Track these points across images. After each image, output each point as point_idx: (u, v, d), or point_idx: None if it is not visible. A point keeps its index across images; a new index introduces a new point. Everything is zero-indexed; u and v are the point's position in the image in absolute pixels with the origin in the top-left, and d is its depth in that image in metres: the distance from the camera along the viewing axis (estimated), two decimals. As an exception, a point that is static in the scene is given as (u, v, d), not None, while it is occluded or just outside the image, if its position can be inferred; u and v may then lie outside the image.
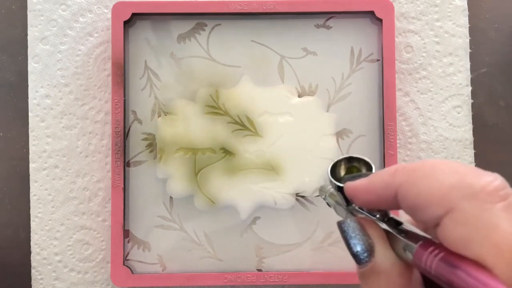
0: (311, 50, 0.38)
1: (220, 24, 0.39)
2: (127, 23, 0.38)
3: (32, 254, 0.38)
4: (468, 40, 0.39)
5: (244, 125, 0.38)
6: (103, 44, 0.39)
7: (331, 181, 0.24)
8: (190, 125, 0.38)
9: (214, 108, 0.38)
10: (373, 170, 0.24)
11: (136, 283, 0.37)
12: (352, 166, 0.25)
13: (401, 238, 0.21)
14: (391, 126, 0.37)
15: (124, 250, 0.37)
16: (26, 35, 0.39)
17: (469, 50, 0.39)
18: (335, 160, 0.24)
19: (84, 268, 0.39)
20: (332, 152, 0.38)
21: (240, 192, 0.38)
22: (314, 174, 0.38)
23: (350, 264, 0.38)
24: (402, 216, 0.22)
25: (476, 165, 0.39)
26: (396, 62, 0.38)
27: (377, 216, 0.22)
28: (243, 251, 0.38)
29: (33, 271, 0.38)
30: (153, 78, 0.38)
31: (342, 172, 0.24)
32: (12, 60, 0.40)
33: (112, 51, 0.37)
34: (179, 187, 0.38)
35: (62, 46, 0.39)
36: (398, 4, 0.39)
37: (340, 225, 0.22)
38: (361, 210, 0.23)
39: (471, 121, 0.39)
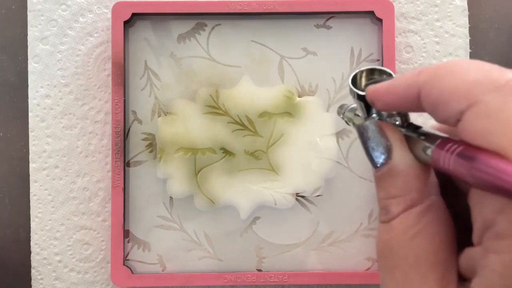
0: (311, 50, 0.38)
1: (220, 24, 0.39)
2: (127, 23, 0.38)
3: (32, 254, 0.38)
4: (468, 40, 0.39)
5: (244, 125, 0.38)
6: (103, 44, 0.39)
7: (351, 89, 0.23)
8: (190, 125, 0.38)
9: (214, 108, 0.38)
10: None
11: (136, 283, 0.37)
12: (373, 78, 0.24)
13: (420, 140, 0.20)
14: (391, 126, 0.37)
15: (124, 250, 0.37)
16: (26, 35, 0.39)
17: (469, 50, 0.39)
18: (356, 71, 0.24)
19: (84, 268, 0.39)
20: (332, 152, 0.38)
21: (240, 192, 0.38)
22: (314, 174, 0.38)
23: (350, 264, 0.38)
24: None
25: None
26: (396, 62, 0.38)
27: (397, 122, 0.22)
28: (243, 251, 0.38)
29: (33, 271, 0.38)
30: (153, 78, 0.38)
31: (363, 84, 0.24)
32: (12, 60, 0.40)
33: (112, 51, 0.37)
34: (179, 187, 0.38)
35: (62, 46, 0.39)
36: (398, 4, 0.39)
37: (358, 127, 0.22)
38: (381, 117, 0.23)
39: (471, 121, 0.39)
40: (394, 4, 0.38)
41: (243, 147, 0.38)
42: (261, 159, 0.38)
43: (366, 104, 0.23)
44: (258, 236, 0.38)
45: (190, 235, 0.38)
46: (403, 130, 0.22)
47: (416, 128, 0.21)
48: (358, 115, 0.25)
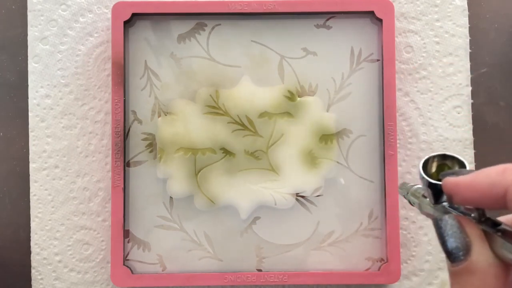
0: (311, 50, 0.38)
1: (220, 24, 0.39)
2: (127, 23, 0.38)
3: (32, 254, 0.38)
4: (468, 40, 0.39)
5: (244, 125, 0.38)
6: (103, 44, 0.39)
7: (422, 177, 0.23)
8: (190, 125, 0.38)
9: (214, 108, 0.38)
10: (467, 168, 0.23)
11: (136, 283, 0.37)
12: (444, 164, 0.24)
13: (500, 238, 0.20)
14: (391, 126, 0.37)
15: (124, 250, 0.37)
16: (26, 35, 0.39)
17: (469, 50, 0.39)
18: (427, 156, 0.24)
19: (84, 268, 0.39)
20: (332, 152, 0.38)
21: (240, 192, 0.38)
22: (314, 174, 0.38)
23: (350, 264, 0.38)
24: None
25: (476, 165, 0.39)
26: (396, 62, 0.38)
27: (472, 215, 0.22)
28: (243, 251, 0.38)
29: (33, 271, 0.38)
30: (153, 78, 0.38)
31: (433, 169, 0.24)
32: (12, 60, 0.40)
33: (112, 51, 0.37)
34: (179, 187, 0.38)
35: (62, 46, 0.39)
36: (398, 4, 0.39)
37: (437, 221, 0.21)
38: (452, 209, 0.23)
39: (471, 121, 0.39)
40: (394, 4, 0.38)
41: (243, 147, 0.38)
42: (261, 159, 0.38)
43: (435, 191, 0.23)
44: (258, 236, 0.38)
45: (190, 235, 0.38)
46: (481, 225, 0.21)
47: (495, 225, 0.21)
48: (425, 198, 0.24)
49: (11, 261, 0.39)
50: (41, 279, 0.38)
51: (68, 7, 0.39)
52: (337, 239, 0.38)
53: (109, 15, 0.39)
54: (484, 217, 0.22)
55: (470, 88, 0.39)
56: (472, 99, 0.39)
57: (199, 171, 0.38)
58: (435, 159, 0.24)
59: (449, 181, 0.22)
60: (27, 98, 0.39)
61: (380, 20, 0.38)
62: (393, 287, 0.38)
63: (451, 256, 0.21)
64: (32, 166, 0.39)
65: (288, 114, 0.38)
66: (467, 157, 0.38)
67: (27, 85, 0.39)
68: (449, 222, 0.21)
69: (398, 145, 0.38)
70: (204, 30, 0.39)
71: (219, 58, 0.38)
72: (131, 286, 0.37)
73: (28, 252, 0.39)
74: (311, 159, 0.38)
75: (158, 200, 0.38)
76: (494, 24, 0.40)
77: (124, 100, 0.38)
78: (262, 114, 0.38)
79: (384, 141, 0.37)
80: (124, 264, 0.37)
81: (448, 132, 0.39)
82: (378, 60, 0.38)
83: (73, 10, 0.39)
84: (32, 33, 0.39)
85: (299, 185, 0.38)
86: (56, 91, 0.39)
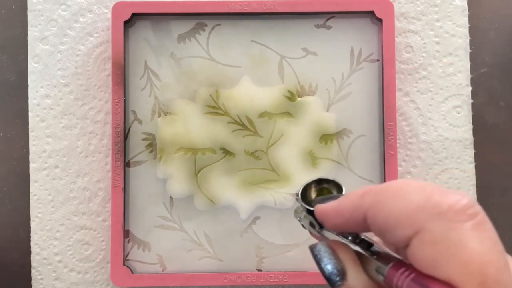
0: (311, 50, 0.38)
1: (220, 24, 0.39)
2: (127, 23, 0.38)
3: (32, 254, 0.38)
4: (468, 40, 0.39)
5: (244, 125, 0.38)
6: (103, 44, 0.39)
7: (301, 204, 0.24)
8: (190, 125, 0.38)
9: (214, 108, 0.38)
10: (343, 192, 0.24)
11: (136, 283, 0.37)
12: (323, 188, 0.25)
13: (372, 259, 0.21)
14: (391, 126, 0.37)
15: (124, 250, 0.37)
16: (26, 35, 0.39)
17: (469, 50, 0.39)
18: (305, 183, 0.25)
19: (84, 268, 0.39)
20: (332, 152, 0.38)
21: (240, 192, 0.38)
22: (314, 174, 0.38)
23: (350, 264, 0.38)
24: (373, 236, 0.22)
25: (476, 165, 0.39)
26: (396, 62, 0.38)
27: (349, 238, 0.22)
28: (243, 251, 0.38)
29: (33, 271, 0.38)
30: (153, 78, 0.38)
31: (313, 195, 0.25)
32: (12, 60, 0.40)
33: (112, 51, 0.37)
34: (179, 187, 0.38)
35: (62, 46, 0.39)
36: (398, 4, 0.39)
37: (311, 249, 0.22)
38: (333, 233, 0.23)
39: (471, 121, 0.39)
40: (394, 4, 0.38)
41: (243, 147, 0.38)
42: (261, 159, 0.38)
43: (315, 217, 0.23)
44: (258, 236, 0.38)
45: (190, 235, 0.38)
46: (356, 247, 0.22)
47: (369, 246, 0.22)
48: (312, 226, 0.25)
49: (11, 261, 0.39)
50: (41, 279, 0.38)
51: (68, 7, 0.39)
52: (337, 239, 0.38)
53: (109, 15, 0.39)
54: (359, 238, 0.22)
55: (470, 88, 0.39)
56: (472, 99, 0.39)
57: (199, 171, 0.38)
58: (313, 185, 0.25)
59: (318, 209, 0.23)
60: (27, 98, 0.39)
61: (380, 20, 0.38)
62: (393, 287, 0.38)
63: (329, 281, 0.21)
64: (32, 166, 0.39)
65: (288, 114, 0.38)
66: (467, 157, 0.38)
67: (27, 85, 0.39)
68: (322, 248, 0.22)
69: (398, 145, 0.38)
70: (204, 30, 0.39)
71: (219, 58, 0.38)
72: (131, 286, 0.37)
73: (28, 252, 0.39)
74: (311, 159, 0.38)
75: (158, 200, 0.38)
76: (494, 24, 0.40)
77: (124, 100, 0.38)
78: (262, 114, 0.38)
79: (384, 141, 0.37)
80: (124, 264, 0.37)
81: (448, 132, 0.39)
82: (378, 60, 0.38)
83: (73, 10, 0.39)
84: (32, 33, 0.39)
85: (299, 185, 0.38)
86: (56, 91, 0.39)
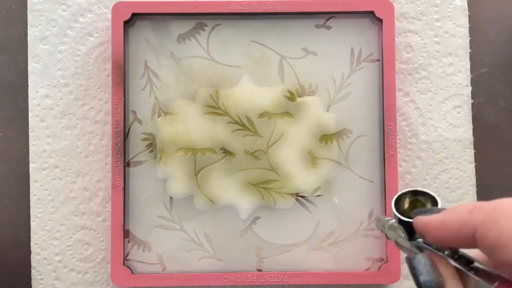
0: (311, 50, 0.38)
1: (220, 24, 0.39)
2: (127, 23, 0.38)
3: (32, 254, 0.38)
4: (468, 40, 0.39)
5: (244, 125, 0.38)
6: (103, 44, 0.39)
7: (395, 214, 0.23)
8: (190, 125, 0.38)
9: (214, 108, 0.38)
10: (439, 205, 0.23)
11: (136, 283, 0.37)
12: (417, 200, 0.24)
13: (474, 277, 0.20)
14: (391, 126, 0.37)
15: (124, 250, 0.37)
16: (26, 35, 0.39)
17: (469, 50, 0.39)
18: (399, 193, 0.24)
19: (84, 268, 0.39)
20: (332, 152, 0.38)
21: (240, 192, 0.38)
22: (314, 174, 0.38)
23: (350, 264, 0.38)
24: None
25: (476, 165, 0.39)
26: (396, 62, 0.38)
27: (446, 252, 0.22)
28: (243, 251, 0.38)
29: (33, 271, 0.38)
30: (153, 78, 0.38)
31: (406, 205, 0.24)
32: (12, 60, 0.40)
33: (112, 51, 0.37)
34: (179, 187, 0.38)
35: (62, 46, 0.39)
36: (398, 4, 0.39)
37: (410, 260, 0.22)
38: (427, 246, 0.23)
39: (471, 121, 0.39)
40: (394, 4, 0.38)
41: (243, 147, 0.38)
42: (261, 159, 0.38)
43: (409, 229, 0.23)
44: (258, 236, 0.38)
45: (190, 235, 0.38)
46: (454, 262, 0.21)
47: (468, 262, 0.21)
48: (401, 236, 0.24)
49: (11, 261, 0.39)
50: (41, 279, 0.38)
51: (68, 7, 0.39)
52: (337, 239, 0.38)
53: (109, 15, 0.39)
54: (457, 254, 0.22)
55: (470, 88, 0.39)
56: (472, 99, 0.39)
57: (199, 171, 0.38)
58: (407, 195, 0.24)
59: (420, 221, 0.22)
60: (27, 98, 0.39)
61: (380, 20, 0.38)
62: (393, 287, 0.38)
63: None
64: (32, 166, 0.39)
65: (288, 114, 0.38)
66: (467, 157, 0.38)
67: (27, 85, 0.39)
68: (422, 261, 0.21)
69: (398, 145, 0.38)
70: (204, 30, 0.39)
71: (219, 58, 0.38)
72: (131, 286, 0.37)
73: (28, 252, 0.39)
74: (311, 159, 0.38)
75: (158, 200, 0.38)
76: (494, 24, 0.40)
77: (124, 100, 0.38)
78: (262, 114, 0.38)
79: (384, 141, 0.37)
80: (124, 264, 0.37)
81: (448, 132, 0.39)
82: (378, 60, 0.38)
83: (73, 10, 0.39)
84: (32, 33, 0.39)
85: (299, 185, 0.38)
86: (56, 91, 0.39)
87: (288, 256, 0.38)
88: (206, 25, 0.39)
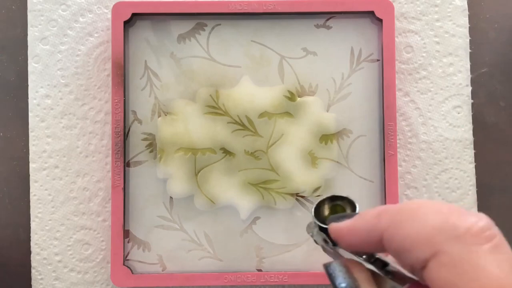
0: (311, 50, 0.38)
1: (220, 24, 0.39)
2: (127, 23, 0.38)
3: (32, 254, 0.38)
4: (468, 40, 0.39)
5: (244, 125, 0.38)
6: (103, 44, 0.39)
7: (315, 222, 0.24)
8: (190, 125, 0.38)
9: (214, 108, 0.38)
10: (357, 209, 0.24)
11: (136, 283, 0.37)
12: (337, 205, 0.25)
13: (387, 279, 0.21)
14: (391, 126, 0.37)
15: (124, 250, 0.37)
16: (26, 35, 0.39)
17: (469, 50, 0.39)
18: (319, 200, 0.25)
19: (84, 268, 0.39)
20: (332, 152, 0.38)
21: (240, 192, 0.38)
22: (314, 174, 0.38)
23: (350, 264, 0.38)
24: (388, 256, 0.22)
25: (476, 165, 0.39)
26: (396, 62, 0.38)
27: (364, 256, 0.22)
28: (243, 251, 0.38)
29: (33, 271, 0.38)
30: (153, 78, 0.38)
31: (326, 212, 0.25)
32: (12, 60, 0.40)
33: (112, 51, 0.37)
34: (179, 187, 0.38)
35: (62, 46, 0.39)
36: (398, 4, 0.39)
37: (326, 267, 0.22)
38: (347, 251, 0.23)
39: (471, 121, 0.39)
40: (394, 4, 0.38)
41: (243, 147, 0.38)
42: (261, 159, 0.38)
43: (328, 235, 0.23)
44: (258, 236, 0.38)
45: (190, 235, 0.38)
46: (370, 266, 0.22)
47: (383, 265, 0.22)
48: (326, 242, 0.25)
49: (11, 261, 0.39)
50: (41, 279, 0.38)
51: (68, 7, 0.39)
52: (337, 239, 0.38)
53: (109, 15, 0.39)
54: (373, 258, 0.22)
55: (470, 88, 0.39)
56: (472, 99, 0.39)
57: (199, 171, 0.38)
58: (326, 202, 0.25)
59: (332, 227, 0.23)
60: (27, 98, 0.39)
61: (380, 20, 0.38)
62: (393, 287, 0.38)
63: None
64: (32, 166, 0.39)
65: (288, 114, 0.38)
66: (467, 157, 0.38)
67: (27, 85, 0.39)
68: (337, 267, 0.22)
69: (398, 145, 0.38)
70: (204, 30, 0.39)
71: (219, 58, 0.38)
72: (131, 286, 0.37)
73: (28, 252, 0.39)
74: (311, 159, 0.38)
75: (158, 200, 0.38)
76: (494, 24, 0.40)
77: (124, 100, 0.38)
78: (262, 114, 0.38)
79: (384, 141, 0.37)
80: (124, 264, 0.37)
81: (448, 132, 0.39)
82: (378, 60, 0.38)
83: (73, 10, 0.39)
84: (32, 33, 0.39)
85: (299, 185, 0.38)
86: (56, 91, 0.39)
87: (288, 256, 0.38)
88: (206, 25, 0.39)
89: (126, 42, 0.38)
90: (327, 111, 0.38)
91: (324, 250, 0.25)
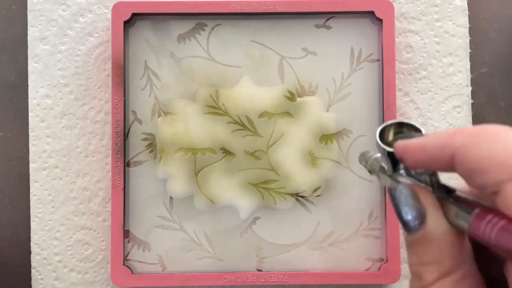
0: (311, 50, 0.38)
1: (220, 24, 0.39)
2: (127, 23, 0.38)
3: (32, 254, 0.38)
4: (468, 40, 0.39)
5: (244, 125, 0.38)
6: (103, 44, 0.39)
7: (378, 144, 0.23)
8: (190, 125, 0.38)
9: (214, 108, 0.38)
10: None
11: (136, 283, 0.37)
12: (401, 131, 0.23)
13: (454, 205, 0.20)
14: (391, 126, 0.37)
15: (124, 250, 0.37)
16: (26, 35, 0.39)
17: (469, 50, 0.39)
18: (384, 124, 0.23)
19: (84, 268, 0.39)
20: (332, 152, 0.38)
21: (240, 192, 0.38)
22: (314, 174, 0.38)
23: (350, 264, 0.38)
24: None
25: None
26: (396, 62, 0.38)
27: (427, 182, 0.21)
28: (243, 251, 0.38)
29: (33, 271, 0.38)
30: (153, 78, 0.38)
31: (390, 137, 0.23)
32: (12, 60, 0.40)
33: (112, 51, 0.37)
34: (179, 187, 0.38)
35: (62, 46, 0.39)
36: (398, 4, 0.39)
37: (391, 191, 0.21)
38: (408, 177, 0.22)
39: (471, 121, 0.39)
40: (394, 4, 0.38)
41: (243, 147, 0.38)
42: (261, 159, 0.38)
43: (393, 159, 0.22)
44: (258, 236, 0.38)
45: (190, 235, 0.38)
46: (434, 192, 0.21)
47: (449, 191, 0.21)
48: (383, 168, 0.24)
49: (11, 261, 0.39)
50: (41, 279, 0.38)
51: (68, 7, 0.39)
52: (337, 239, 0.38)
53: (109, 15, 0.39)
54: (437, 183, 0.21)
55: (470, 88, 0.39)
56: (472, 99, 0.39)
57: (199, 171, 0.38)
58: (392, 127, 0.23)
59: (400, 144, 0.22)
60: (27, 98, 0.39)
61: (380, 20, 0.38)
62: (393, 287, 0.38)
63: (406, 225, 0.20)
64: (32, 166, 0.39)
65: (288, 114, 0.38)
66: (467, 157, 0.38)
67: (27, 85, 0.39)
68: (403, 191, 0.21)
69: (398, 145, 0.38)
70: (204, 30, 0.39)
71: (219, 58, 0.38)
72: (131, 286, 0.37)
73: (28, 252, 0.39)
74: (311, 159, 0.38)
75: (158, 200, 0.38)
76: (494, 24, 0.40)
77: (124, 100, 0.38)
78: (262, 114, 0.38)
79: (384, 141, 0.37)
80: (124, 264, 0.37)
81: (448, 132, 0.39)
82: (378, 60, 0.38)
83: (73, 10, 0.39)
84: (32, 33, 0.39)
85: (299, 185, 0.38)
86: (56, 91, 0.39)
87: (288, 256, 0.38)
88: (206, 25, 0.39)
89: (126, 42, 0.38)
90: (327, 111, 0.38)
91: (380, 177, 0.24)
